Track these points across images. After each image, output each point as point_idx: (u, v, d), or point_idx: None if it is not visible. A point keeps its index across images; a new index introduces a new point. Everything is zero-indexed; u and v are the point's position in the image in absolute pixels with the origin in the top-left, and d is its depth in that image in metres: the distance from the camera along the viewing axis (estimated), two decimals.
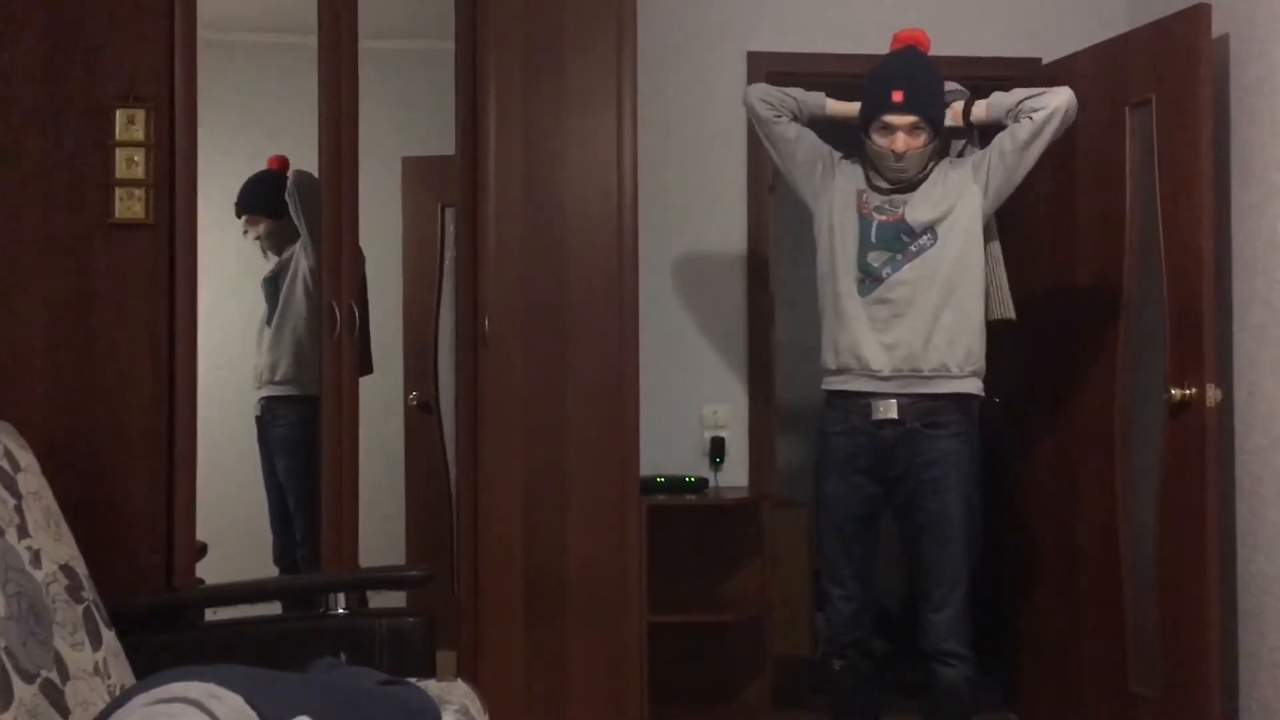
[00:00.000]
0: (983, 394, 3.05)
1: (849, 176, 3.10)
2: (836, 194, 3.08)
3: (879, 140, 3.00)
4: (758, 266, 4.04)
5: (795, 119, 3.15)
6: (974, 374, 3.00)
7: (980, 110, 3.08)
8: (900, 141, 2.97)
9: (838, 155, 3.15)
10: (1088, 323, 3.70)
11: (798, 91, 3.17)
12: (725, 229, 4.00)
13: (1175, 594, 3.34)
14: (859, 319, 2.99)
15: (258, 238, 3.45)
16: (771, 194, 4.15)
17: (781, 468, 4.38)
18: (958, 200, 3.00)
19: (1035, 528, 3.94)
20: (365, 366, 3.43)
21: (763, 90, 3.19)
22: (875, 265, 2.99)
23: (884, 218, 3.01)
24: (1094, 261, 3.68)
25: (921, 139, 2.98)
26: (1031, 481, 3.96)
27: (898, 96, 2.97)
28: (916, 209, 3.00)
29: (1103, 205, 3.65)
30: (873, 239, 3.00)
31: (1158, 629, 3.42)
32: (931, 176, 3.05)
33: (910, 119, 2.97)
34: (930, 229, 2.98)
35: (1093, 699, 3.65)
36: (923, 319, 2.94)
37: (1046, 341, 3.90)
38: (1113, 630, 3.56)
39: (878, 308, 2.97)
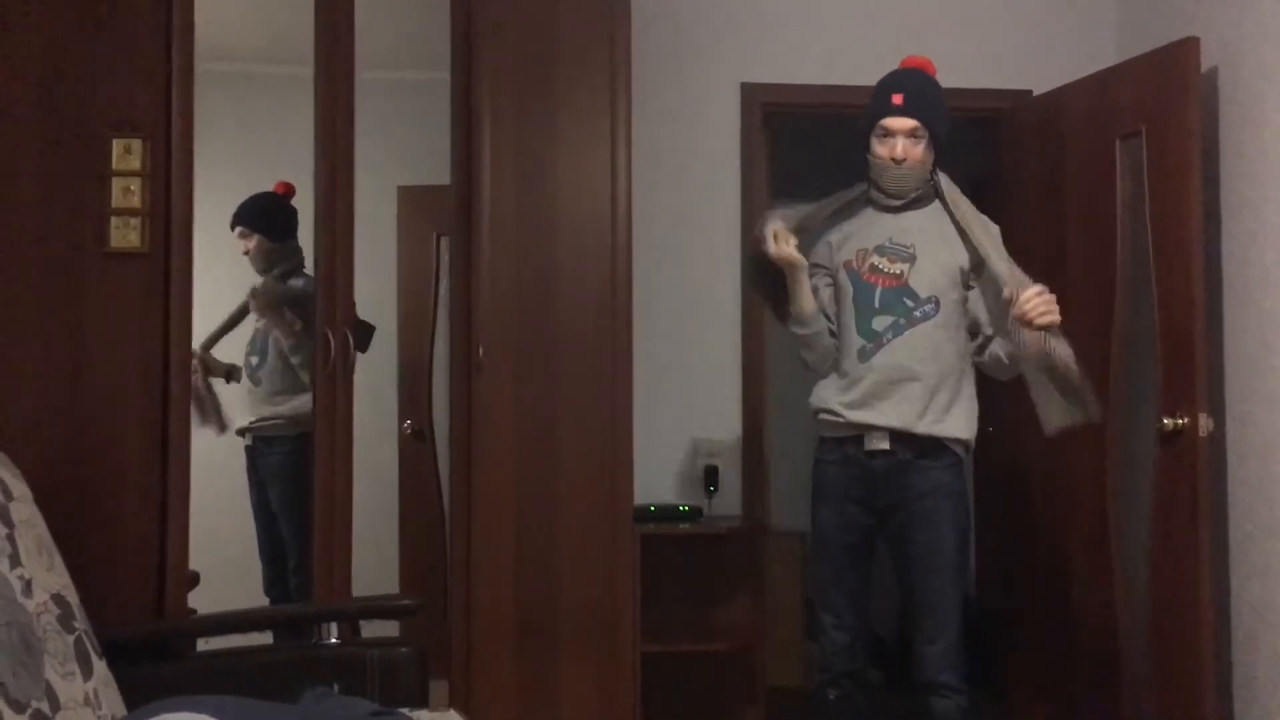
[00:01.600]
0: (972, 441, 3.01)
1: (840, 243, 3.07)
2: (840, 265, 3.05)
3: (878, 150, 2.98)
4: (751, 294, 4.05)
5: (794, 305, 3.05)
6: (965, 432, 2.97)
7: (1062, 352, 2.86)
8: (900, 147, 2.96)
9: (827, 234, 3.09)
10: (1080, 352, 3.70)
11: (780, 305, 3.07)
12: (719, 257, 4.02)
13: (1169, 623, 3.34)
14: (859, 383, 2.95)
15: (246, 252, 3.47)
16: None
17: (775, 496, 4.38)
18: (956, 273, 2.96)
19: (1030, 556, 3.94)
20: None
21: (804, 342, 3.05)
22: (879, 330, 2.94)
23: (888, 282, 2.96)
24: (1085, 291, 3.69)
25: (920, 148, 2.97)
26: (1025, 511, 3.96)
27: (898, 99, 2.96)
28: (921, 275, 2.95)
29: (1093, 236, 3.67)
30: (876, 304, 2.96)
31: (1152, 657, 3.41)
32: (937, 239, 2.99)
33: (910, 123, 2.96)
34: (934, 298, 2.94)
35: None
36: (920, 389, 2.90)
37: None
38: (1107, 658, 3.55)
39: (878, 373, 2.93)
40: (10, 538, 1.87)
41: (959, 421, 2.95)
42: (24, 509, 1.96)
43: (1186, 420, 3.26)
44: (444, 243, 3.85)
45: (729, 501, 4.01)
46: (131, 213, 2.39)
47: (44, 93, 2.38)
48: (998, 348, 2.95)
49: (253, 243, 3.52)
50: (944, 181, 3.06)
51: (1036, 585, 3.89)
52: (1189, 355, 3.27)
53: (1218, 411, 3.37)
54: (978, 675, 4.77)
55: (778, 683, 3.97)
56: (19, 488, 1.98)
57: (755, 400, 4.06)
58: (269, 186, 3.53)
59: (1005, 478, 4.12)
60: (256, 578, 3.45)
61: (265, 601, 3.39)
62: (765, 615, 3.88)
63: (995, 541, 4.38)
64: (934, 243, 2.99)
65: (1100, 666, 3.58)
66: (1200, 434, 3.23)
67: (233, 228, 3.48)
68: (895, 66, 4.07)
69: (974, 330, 3.01)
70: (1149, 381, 3.46)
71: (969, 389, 3.00)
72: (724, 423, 4.02)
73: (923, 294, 2.94)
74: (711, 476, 3.98)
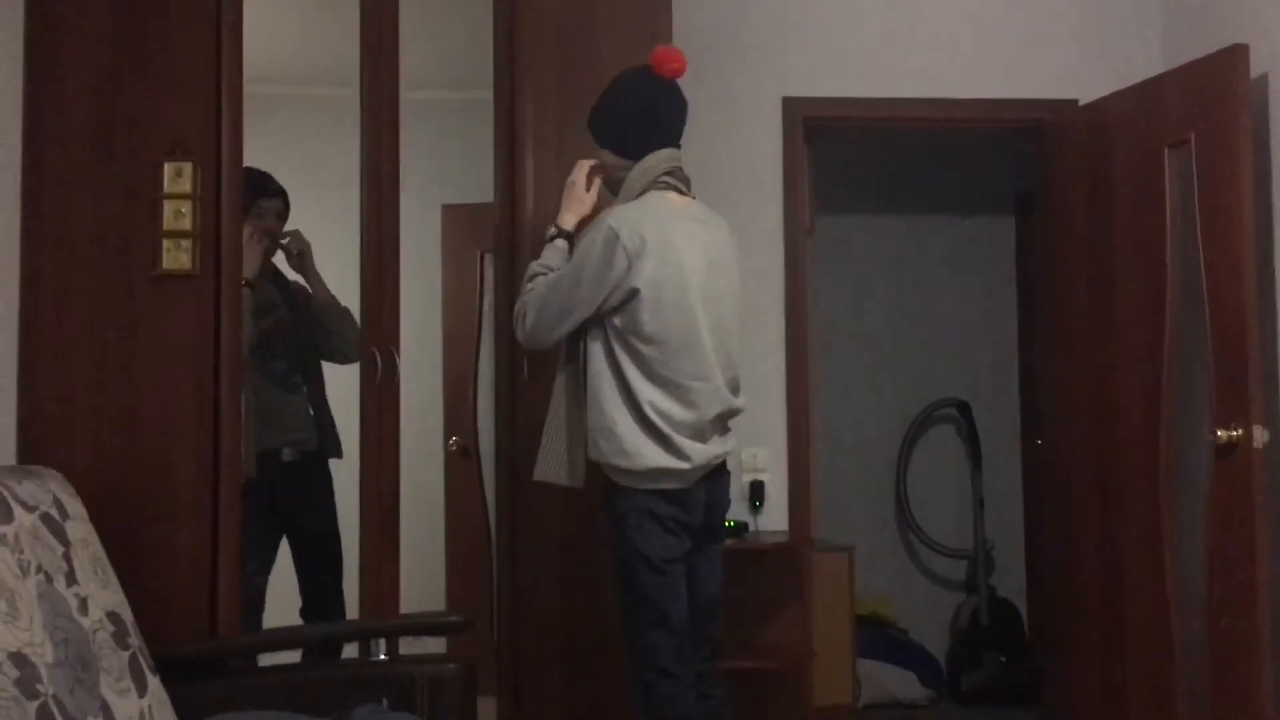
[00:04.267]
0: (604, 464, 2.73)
1: None
2: None
3: None
4: (795, 310, 4.04)
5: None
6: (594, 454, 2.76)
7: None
8: None
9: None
10: (1131, 363, 3.66)
11: (537, 265, 2.82)
12: (762, 273, 4.00)
13: (1225, 640, 3.27)
14: None
15: (268, 237, 3.28)
16: (809, 237, 4.15)
17: (822, 511, 4.35)
18: None
19: (1081, 569, 3.88)
20: (335, 449, 3.41)
21: (528, 320, 2.75)
22: None
23: None
24: (1135, 302, 3.65)
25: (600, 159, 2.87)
26: (1077, 523, 3.91)
27: None
28: None
29: (1143, 245, 3.62)
30: None
31: (1209, 674, 3.35)
32: None
33: None
34: None
35: None
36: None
37: (1089, 382, 3.86)
38: (1162, 674, 3.49)
39: None
40: (66, 556, 1.90)
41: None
42: (80, 528, 1.99)
43: (1241, 432, 3.20)
44: (488, 260, 3.87)
45: (775, 517, 3.99)
46: (182, 235, 2.43)
47: (97, 119, 2.43)
48: None
49: (282, 226, 3.36)
50: (626, 185, 2.80)
51: (1090, 600, 3.83)
52: (1242, 366, 3.22)
53: (1273, 423, 3.30)
54: (1024, 688, 4.72)
55: (826, 702, 3.93)
56: (75, 507, 2.01)
57: (800, 415, 4.04)
58: (315, 207, 3.52)
59: (1056, 491, 4.07)
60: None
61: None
62: (813, 632, 3.85)
63: (1046, 555, 4.33)
64: None
65: (1156, 683, 3.52)
66: (1255, 445, 3.17)
67: (258, 200, 3.22)
68: (938, 78, 4.08)
69: None
70: (1202, 393, 3.40)
71: (589, 412, 2.74)
72: (770, 437, 4.00)
73: None
74: (757, 491, 3.96)
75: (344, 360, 3.33)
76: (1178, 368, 3.53)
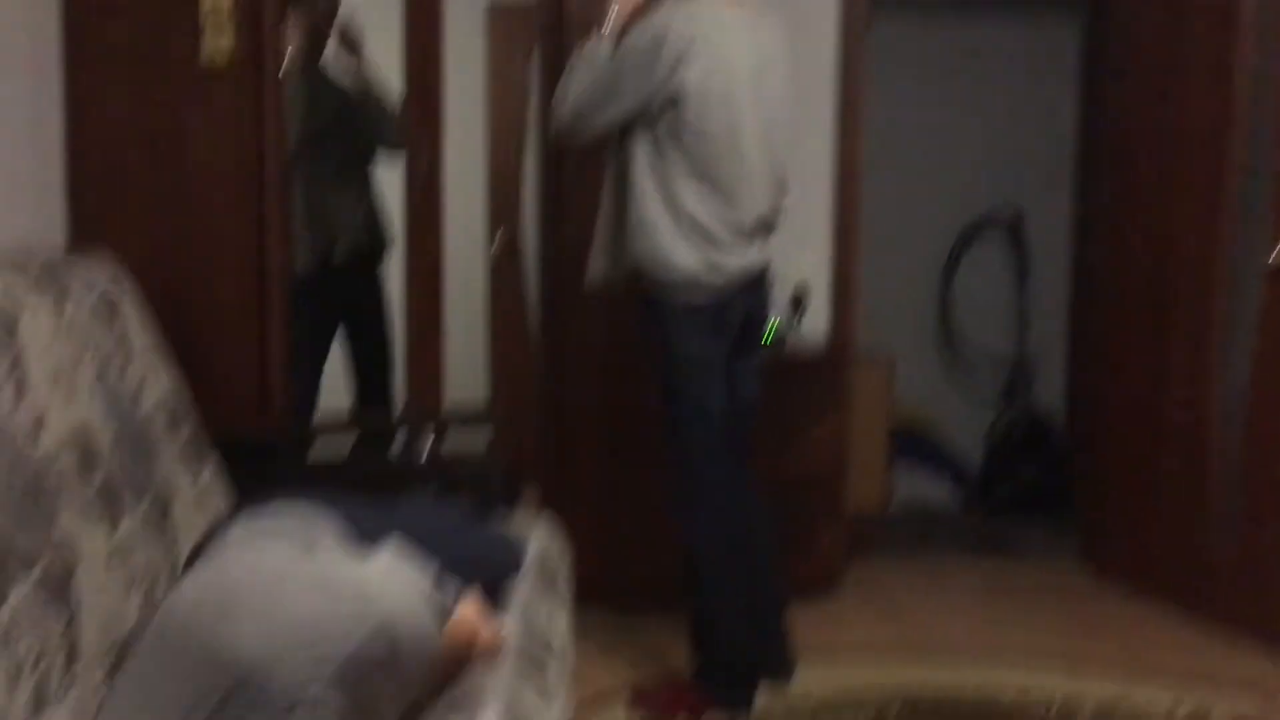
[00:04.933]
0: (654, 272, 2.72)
1: None
2: None
3: None
4: (848, 109, 3.90)
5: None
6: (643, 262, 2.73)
7: None
8: None
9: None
10: (1193, 178, 3.55)
11: (580, 57, 2.72)
12: (814, 71, 3.85)
13: (1265, 458, 3.29)
14: None
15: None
16: (867, 30, 3.97)
17: (865, 318, 4.32)
18: None
19: (1125, 381, 3.88)
20: (386, 246, 3.41)
21: (566, 110, 2.69)
22: None
23: None
24: (1203, 114, 3.51)
25: None
26: (1125, 335, 3.88)
27: None
28: None
29: (1215, 48, 3.46)
30: None
31: (1245, 478, 3.37)
32: None
33: None
34: None
35: (1168, 556, 3.64)
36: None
37: (1149, 195, 3.77)
38: (1195, 483, 3.52)
39: None
40: (122, 341, 1.94)
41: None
42: (133, 314, 2.03)
43: None
44: (533, 63, 3.79)
45: (816, 323, 3.96)
46: (221, 21, 2.37)
47: None
48: None
49: (331, 23, 3.29)
50: None
51: (1129, 410, 3.84)
52: None
53: None
54: (1061, 501, 4.79)
55: (858, 509, 4.01)
56: (128, 293, 2.05)
57: (848, 219, 3.95)
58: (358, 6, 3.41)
59: (1105, 303, 4.03)
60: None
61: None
62: (849, 440, 3.89)
63: (1090, 366, 4.33)
64: None
65: (1188, 491, 3.55)
66: None
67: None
68: None
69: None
70: (1264, 216, 3.31)
71: (630, 213, 2.70)
72: (813, 242, 3.93)
73: None
74: (799, 298, 3.94)
75: (395, 146, 3.29)
76: (1239, 185, 3.42)
